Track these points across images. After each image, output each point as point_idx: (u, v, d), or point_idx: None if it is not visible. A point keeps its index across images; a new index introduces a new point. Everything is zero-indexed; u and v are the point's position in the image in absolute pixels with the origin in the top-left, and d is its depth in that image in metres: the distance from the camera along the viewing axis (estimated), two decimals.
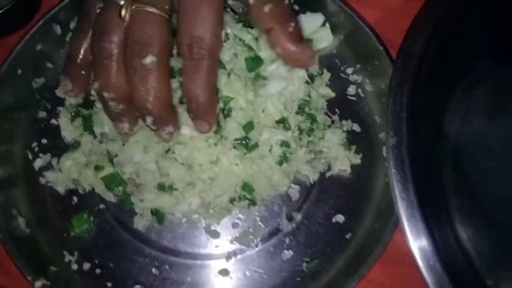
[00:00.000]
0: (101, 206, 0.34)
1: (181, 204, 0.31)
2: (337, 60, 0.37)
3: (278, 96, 0.33)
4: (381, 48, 0.34)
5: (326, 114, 0.36)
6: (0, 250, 0.32)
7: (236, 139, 0.32)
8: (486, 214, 0.33)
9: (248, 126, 0.31)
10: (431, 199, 0.32)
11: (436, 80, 0.34)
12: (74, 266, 0.33)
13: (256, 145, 0.32)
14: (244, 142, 0.32)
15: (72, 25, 0.36)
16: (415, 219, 0.28)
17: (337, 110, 0.36)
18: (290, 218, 0.34)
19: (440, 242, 0.30)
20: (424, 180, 0.31)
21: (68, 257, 0.34)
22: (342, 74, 0.37)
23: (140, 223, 0.34)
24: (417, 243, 0.28)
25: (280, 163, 0.33)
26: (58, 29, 0.35)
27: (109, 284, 0.33)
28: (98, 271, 0.33)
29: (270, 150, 0.33)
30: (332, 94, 0.36)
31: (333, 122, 0.36)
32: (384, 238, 0.31)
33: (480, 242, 0.32)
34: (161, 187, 0.31)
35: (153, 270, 0.34)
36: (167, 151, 0.32)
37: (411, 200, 0.28)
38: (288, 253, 0.34)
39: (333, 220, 0.34)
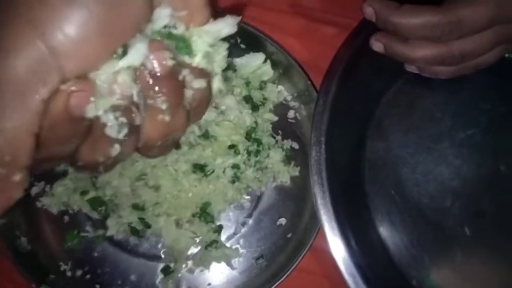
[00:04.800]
0: (88, 223, 0.41)
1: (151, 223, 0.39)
2: (279, 89, 0.44)
3: (230, 126, 0.41)
4: (309, 82, 0.40)
5: (271, 135, 0.43)
6: (8, 264, 0.37)
7: (194, 165, 0.39)
8: (401, 214, 0.39)
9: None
10: (351, 203, 0.39)
11: (355, 106, 0.41)
12: (69, 273, 0.39)
13: (211, 170, 0.39)
14: (201, 168, 0.39)
15: None
16: (331, 220, 0.35)
17: (279, 131, 0.43)
18: (243, 224, 0.41)
19: (361, 240, 0.36)
20: (343, 188, 0.38)
21: (63, 266, 0.39)
22: (283, 101, 0.44)
23: (119, 235, 0.40)
24: (332, 241, 0.35)
25: (233, 182, 0.40)
26: None
27: (97, 286, 0.39)
28: (88, 276, 0.39)
29: (223, 172, 0.39)
30: (275, 118, 0.43)
31: (276, 141, 0.42)
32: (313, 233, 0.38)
33: (399, 242, 0.38)
34: (135, 206, 0.39)
35: (132, 276, 0.40)
36: (139, 176, 0.39)
37: (327, 205, 0.35)
38: (242, 252, 0.40)
39: (277, 223, 0.41)
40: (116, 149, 0.20)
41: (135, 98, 0.19)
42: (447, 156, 0.40)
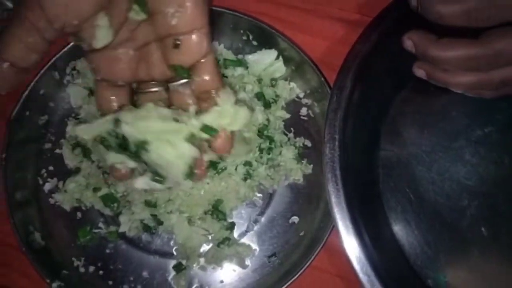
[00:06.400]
0: (101, 219, 0.41)
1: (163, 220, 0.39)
2: (291, 86, 0.44)
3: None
4: (322, 79, 0.40)
5: (283, 132, 0.42)
6: (22, 259, 0.38)
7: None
8: (416, 213, 0.38)
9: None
10: (365, 202, 0.38)
11: (369, 103, 0.41)
12: (82, 269, 0.40)
13: (223, 168, 0.39)
14: (213, 165, 0.38)
15: (68, 70, 0.42)
16: (345, 219, 0.35)
17: (292, 128, 0.42)
18: (255, 221, 0.41)
19: (376, 239, 0.36)
20: (357, 186, 0.38)
21: (76, 262, 0.40)
22: (295, 98, 0.43)
23: (132, 232, 0.40)
24: (346, 240, 0.34)
25: (245, 179, 0.40)
26: (56, 75, 0.41)
27: (110, 282, 0.39)
28: (101, 272, 0.40)
29: (236, 169, 0.39)
30: (287, 116, 0.42)
31: (288, 139, 0.42)
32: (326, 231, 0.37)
33: (414, 242, 0.38)
34: (147, 203, 0.39)
35: (144, 272, 0.40)
36: None
37: (341, 204, 0.35)
38: (254, 250, 0.40)
39: (290, 221, 0.41)
40: None
41: None
42: (464, 154, 0.39)
